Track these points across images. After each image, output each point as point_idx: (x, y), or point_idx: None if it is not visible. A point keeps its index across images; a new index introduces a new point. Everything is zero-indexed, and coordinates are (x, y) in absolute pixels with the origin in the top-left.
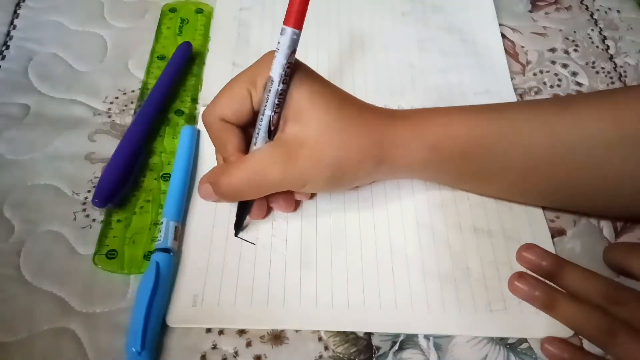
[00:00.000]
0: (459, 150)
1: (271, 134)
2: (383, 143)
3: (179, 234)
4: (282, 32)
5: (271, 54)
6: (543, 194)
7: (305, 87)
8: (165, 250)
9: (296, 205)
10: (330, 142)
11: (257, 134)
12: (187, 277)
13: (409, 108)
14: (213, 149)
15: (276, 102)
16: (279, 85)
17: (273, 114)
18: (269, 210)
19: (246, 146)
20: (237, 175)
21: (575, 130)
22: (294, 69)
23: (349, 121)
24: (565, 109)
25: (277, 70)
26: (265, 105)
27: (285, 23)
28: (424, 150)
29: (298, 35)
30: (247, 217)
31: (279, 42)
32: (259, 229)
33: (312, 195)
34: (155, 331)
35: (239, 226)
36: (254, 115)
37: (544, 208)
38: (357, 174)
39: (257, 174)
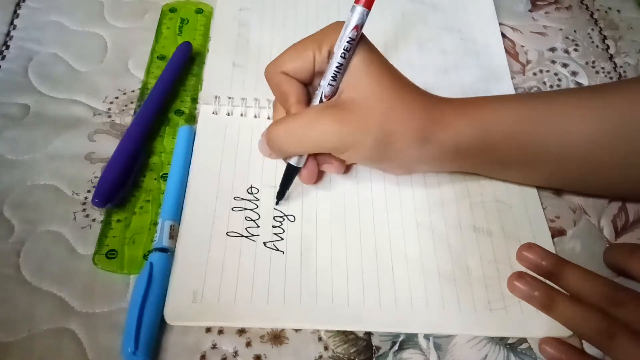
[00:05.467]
0: (503, 135)
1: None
2: (432, 120)
3: (176, 232)
4: (351, 10)
5: (341, 23)
6: (580, 181)
7: (364, 57)
8: (163, 249)
9: (347, 168)
10: (379, 110)
11: (315, 98)
12: (185, 274)
13: None
14: (208, 148)
15: (332, 74)
16: (338, 58)
17: (328, 85)
18: (320, 174)
19: (307, 100)
20: (286, 126)
21: (618, 114)
22: (359, 43)
23: (401, 95)
24: (605, 93)
25: (340, 44)
26: (324, 76)
27: (356, 1)
28: (472, 133)
29: (366, 15)
30: (290, 188)
31: (348, 18)
32: (260, 226)
33: (347, 170)
34: (151, 331)
35: (281, 195)
36: (314, 75)
37: (544, 207)
38: (401, 148)
39: (304, 127)
